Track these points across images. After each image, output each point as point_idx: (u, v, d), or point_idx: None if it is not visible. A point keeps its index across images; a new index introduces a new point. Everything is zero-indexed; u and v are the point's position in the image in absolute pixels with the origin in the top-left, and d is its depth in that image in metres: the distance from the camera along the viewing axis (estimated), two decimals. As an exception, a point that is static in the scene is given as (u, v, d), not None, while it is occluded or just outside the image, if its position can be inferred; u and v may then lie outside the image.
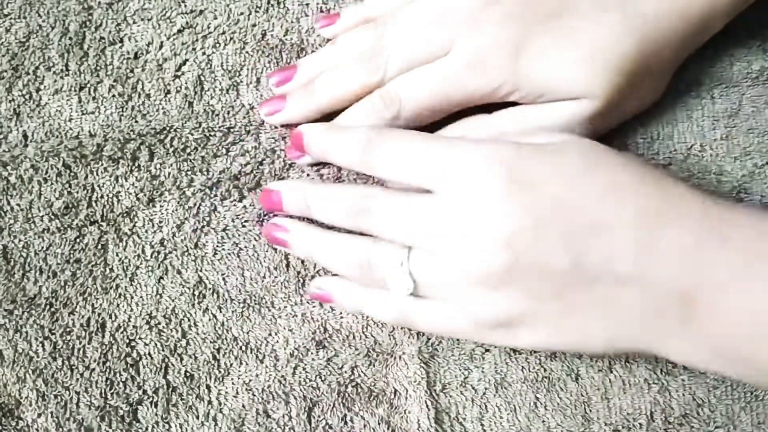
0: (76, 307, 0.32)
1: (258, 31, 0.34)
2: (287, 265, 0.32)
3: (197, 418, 0.31)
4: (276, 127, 0.33)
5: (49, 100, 0.33)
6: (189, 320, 0.32)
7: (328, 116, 0.32)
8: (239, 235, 0.33)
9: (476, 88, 0.29)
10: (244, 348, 0.32)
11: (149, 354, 0.32)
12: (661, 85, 0.31)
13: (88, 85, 0.33)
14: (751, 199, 0.32)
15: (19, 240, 0.32)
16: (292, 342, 0.32)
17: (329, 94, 0.31)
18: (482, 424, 0.31)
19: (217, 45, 0.34)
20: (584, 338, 0.27)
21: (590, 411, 0.31)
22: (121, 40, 0.34)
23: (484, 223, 0.26)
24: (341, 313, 0.32)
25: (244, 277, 0.32)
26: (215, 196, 0.33)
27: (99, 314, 0.32)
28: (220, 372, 0.32)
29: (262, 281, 0.32)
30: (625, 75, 0.28)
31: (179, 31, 0.34)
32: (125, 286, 0.32)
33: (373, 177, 0.32)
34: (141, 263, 0.32)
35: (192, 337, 0.32)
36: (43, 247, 0.32)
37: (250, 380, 0.32)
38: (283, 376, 0.32)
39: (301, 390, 0.32)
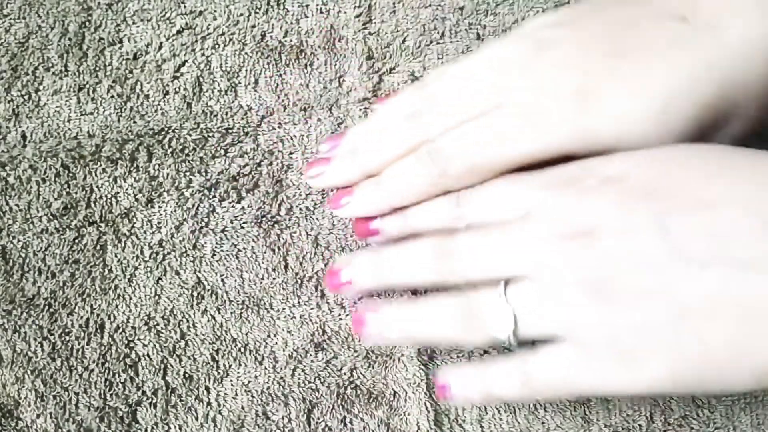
0: (74, 308, 0.32)
1: (257, 32, 0.34)
2: (286, 267, 0.32)
3: (196, 419, 0.31)
4: (274, 129, 0.33)
5: (48, 100, 0.33)
6: (188, 321, 0.32)
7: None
8: (238, 237, 0.32)
9: (531, 144, 0.26)
10: (242, 349, 0.32)
11: (148, 355, 0.32)
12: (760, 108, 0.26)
13: (87, 86, 0.33)
14: None
15: (18, 240, 0.32)
16: (291, 344, 0.32)
17: (374, 157, 0.30)
18: (482, 426, 0.31)
19: (217, 46, 0.34)
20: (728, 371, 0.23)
21: (590, 412, 0.31)
22: (121, 41, 0.34)
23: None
24: (340, 314, 0.32)
25: (242, 279, 0.32)
26: (214, 197, 0.33)
27: (98, 315, 0.32)
28: (219, 373, 0.32)
29: (261, 282, 0.32)
30: (702, 126, 0.25)
31: (178, 32, 0.34)
32: (124, 287, 0.32)
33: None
34: (140, 264, 0.32)
35: (191, 338, 0.32)
36: (41, 248, 0.32)
37: (249, 381, 0.32)
38: (282, 378, 0.32)
39: (300, 392, 0.32)
